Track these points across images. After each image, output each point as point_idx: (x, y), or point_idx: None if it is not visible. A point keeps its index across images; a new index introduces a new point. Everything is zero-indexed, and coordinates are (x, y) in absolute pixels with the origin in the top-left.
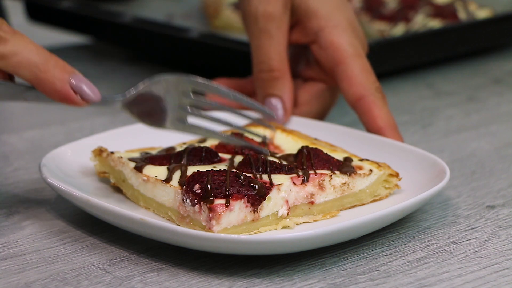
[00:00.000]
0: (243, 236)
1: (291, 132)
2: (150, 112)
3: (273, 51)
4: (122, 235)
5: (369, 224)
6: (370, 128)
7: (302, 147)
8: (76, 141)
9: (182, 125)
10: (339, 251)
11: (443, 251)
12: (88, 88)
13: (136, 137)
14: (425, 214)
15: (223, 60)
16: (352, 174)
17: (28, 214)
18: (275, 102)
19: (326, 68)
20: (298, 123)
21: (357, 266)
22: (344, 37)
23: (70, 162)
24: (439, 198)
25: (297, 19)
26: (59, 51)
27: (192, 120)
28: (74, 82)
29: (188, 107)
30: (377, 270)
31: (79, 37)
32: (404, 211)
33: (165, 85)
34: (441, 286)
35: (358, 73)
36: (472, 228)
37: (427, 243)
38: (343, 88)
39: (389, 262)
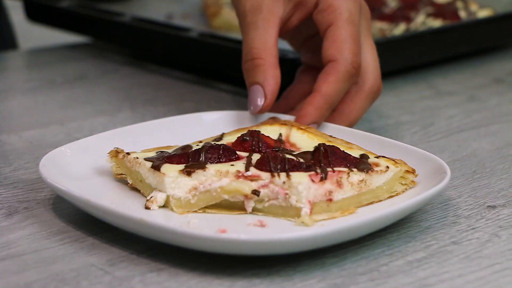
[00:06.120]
0: (243, 236)
1: (306, 129)
2: None
3: (257, 41)
4: (122, 235)
5: (370, 224)
6: (312, 89)
7: (319, 145)
8: (76, 141)
9: None
10: (339, 251)
11: (443, 251)
12: None
13: (136, 137)
14: (425, 214)
15: (223, 60)
16: (369, 171)
17: (27, 214)
18: (255, 89)
19: (321, 32)
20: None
21: (358, 266)
22: (343, 2)
23: (70, 162)
24: (439, 198)
25: (297, 1)
26: (59, 51)
27: None
28: None
29: None
30: (378, 270)
31: (78, 37)
32: (405, 212)
33: None
34: (441, 286)
35: (345, 38)
36: (473, 228)
37: (428, 243)
38: (324, 46)
39: (390, 262)
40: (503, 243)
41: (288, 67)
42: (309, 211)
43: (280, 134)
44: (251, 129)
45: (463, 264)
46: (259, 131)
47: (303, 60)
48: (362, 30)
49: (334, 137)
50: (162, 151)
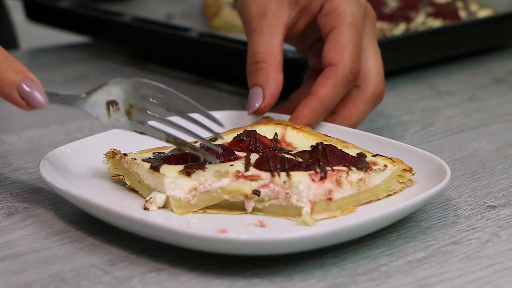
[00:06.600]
0: (243, 236)
1: (301, 129)
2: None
3: (262, 46)
4: (122, 235)
5: (370, 224)
6: (310, 91)
7: (317, 144)
8: (76, 141)
9: (141, 126)
10: (339, 251)
11: (443, 251)
12: (38, 93)
13: (135, 137)
14: (425, 214)
15: (223, 60)
16: (368, 170)
17: (27, 214)
18: (255, 91)
19: (324, 35)
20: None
21: (358, 266)
22: (348, 6)
23: (69, 162)
24: (439, 198)
25: (302, 6)
26: (59, 51)
27: (152, 123)
28: (24, 87)
29: (149, 111)
30: (378, 270)
31: (78, 37)
32: (405, 212)
33: (125, 87)
34: (441, 286)
35: (346, 43)
36: (473, 228)
37: (428, 243)
38: (325, 49)
39: (390, 262)
40: (503, 243)
41: (287, 67)
42: (310, 210)
43: (276, 134)
44: (246, 129)
45: (463, 264)
46: (255, 131)
47: (311, 64)
48: (366, 34)
49: (329, 136)
50: (159, 152)
